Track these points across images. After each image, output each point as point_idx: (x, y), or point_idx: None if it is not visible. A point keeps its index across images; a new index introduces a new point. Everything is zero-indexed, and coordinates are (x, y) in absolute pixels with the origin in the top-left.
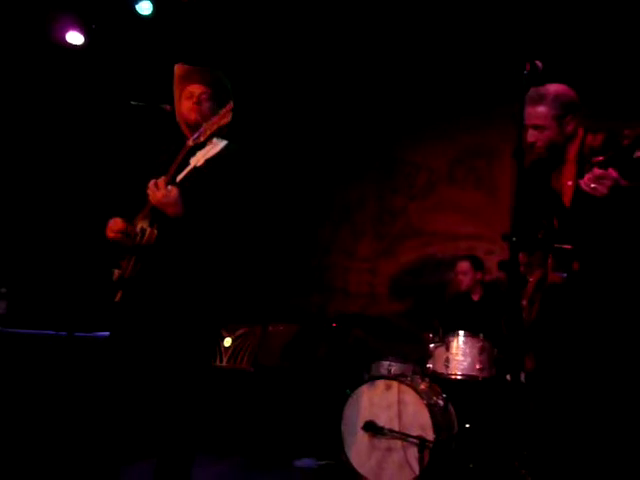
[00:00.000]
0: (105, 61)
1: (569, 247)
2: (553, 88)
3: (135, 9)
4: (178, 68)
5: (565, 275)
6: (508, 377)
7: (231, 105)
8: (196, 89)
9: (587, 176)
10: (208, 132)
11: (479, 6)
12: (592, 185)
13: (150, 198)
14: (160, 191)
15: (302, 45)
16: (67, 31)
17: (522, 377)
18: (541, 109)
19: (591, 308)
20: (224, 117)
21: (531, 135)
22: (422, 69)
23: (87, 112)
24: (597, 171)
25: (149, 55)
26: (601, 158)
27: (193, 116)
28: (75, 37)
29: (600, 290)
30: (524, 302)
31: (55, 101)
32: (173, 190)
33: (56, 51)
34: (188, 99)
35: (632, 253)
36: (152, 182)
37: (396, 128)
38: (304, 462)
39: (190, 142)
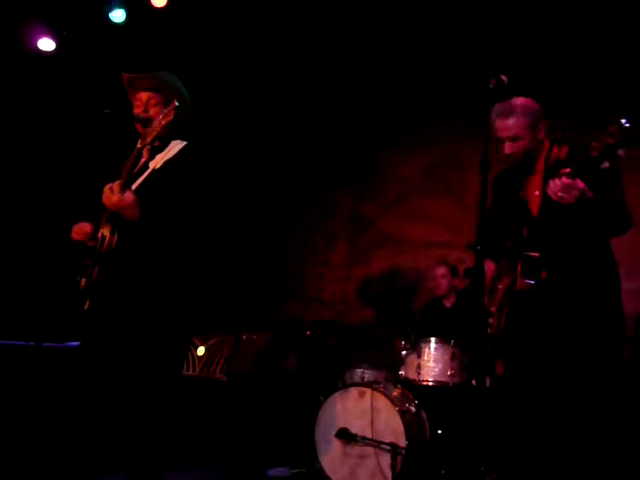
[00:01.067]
0: (76, 68)
1: (537, 255)
2: (520, 100)
3: (108, 17)
4: (124, 77)
5: (533, 282)
6: (473, 382)
7: (174, 103)
8: (144, 96)
9: (554, 183)
10: (154, 133)
11: (449, 21)
12: (559, 194)
13: (105, 202)
14: (115, 195)
15: (280, 54)
16: (38, 38)
17: (488, 382)
18: (514, 120)
19: (559, 315)
20: (167, 116)
21: (508, 147)
22: (395, 81)
23: (58, 119)
24: (565, 180)
25: (121, 62)
26: (568, 169)
27: (139, 126)
28: (46, 44)
29: (567, 298)
30: (493, 309)
31: (26, 108)
32: (128, 194)
33: (27, 58)
34: (137, 107)
35: (598, 262)
36: (107, 187)
37: (370, 138)
38: (277, 471)
39: (139, 144)
